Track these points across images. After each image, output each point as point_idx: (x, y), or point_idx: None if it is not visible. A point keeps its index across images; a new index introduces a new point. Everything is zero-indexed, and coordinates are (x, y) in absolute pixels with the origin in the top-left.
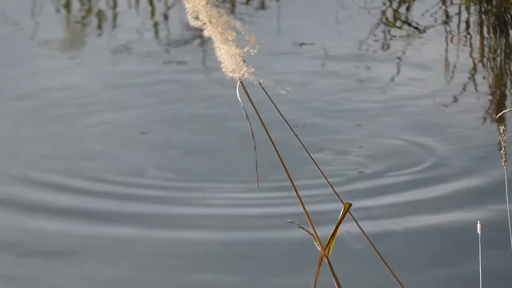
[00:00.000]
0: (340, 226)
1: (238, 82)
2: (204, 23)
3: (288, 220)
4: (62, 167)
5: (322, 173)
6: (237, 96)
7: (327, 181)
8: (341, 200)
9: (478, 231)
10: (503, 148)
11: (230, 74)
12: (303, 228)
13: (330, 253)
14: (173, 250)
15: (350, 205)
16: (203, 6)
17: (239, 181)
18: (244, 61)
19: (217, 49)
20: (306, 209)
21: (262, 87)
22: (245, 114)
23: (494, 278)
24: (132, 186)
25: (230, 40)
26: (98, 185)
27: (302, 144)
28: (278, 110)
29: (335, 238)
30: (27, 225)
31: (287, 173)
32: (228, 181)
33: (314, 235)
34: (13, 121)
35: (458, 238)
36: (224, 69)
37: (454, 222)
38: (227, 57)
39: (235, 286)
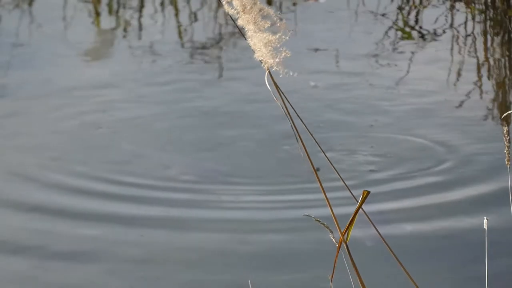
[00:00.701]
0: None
1: (267, 71)
2: (238, 11)
3: (305, 214)
4: (91, 169)
5: (338, 173)
6: (266, 85)
7: (343, 181)
8: (354, 198)
9: (485, 226)
10: (507, 148)
11: (262, 63)
12: (319, 221)
13: (348, 238)
14: (199, 251)
15: (369, 192)
16: None
17: (259, 183)
18: (275, 51)
19: (250, 38)
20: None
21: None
22: (285, 108)
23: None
24: (158, 188)
25: (262, 29)
26: (127, 187)
27: (318, 144)
28: (296, 113)
29: (353, 224)
30: (64, 230)
31: (317, 177)
32: (248, 183)
33: (335, 221)
34: (48, 119)
35: (465, 240)
36: (256, 57)
37: (463, 223)
38: (260, 45)
39: (256, 281)
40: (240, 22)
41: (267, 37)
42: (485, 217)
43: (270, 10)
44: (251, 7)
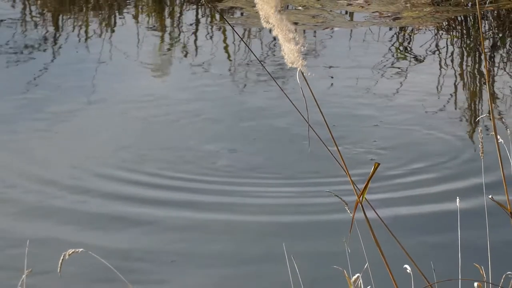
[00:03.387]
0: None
1: (298, 70)
2: (273, 26)
3: (327, 190)
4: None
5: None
6: (297, 80)
7: (349, 175)
8: (357, 187)
9: (457, 204)
10: (481, 143)
11: (290, 65)
12: (338, 196)
13: (363, 199)
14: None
15: (379, 164)
16: (272, 13)
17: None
18: (301, 56)
19: (282, 46)
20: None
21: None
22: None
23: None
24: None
25: (290, 39)
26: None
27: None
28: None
29: (367, 188)
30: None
31: (346, 169)
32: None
33: (353, 186)
34: (122, 118)
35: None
36: (286, 61)
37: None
38: (288, 51)
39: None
40: (274, 33)
41: (292, 47)
42: (457, 197)
43: (293, 27)
44: (280, 23)
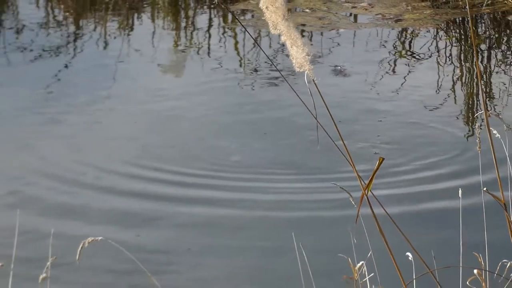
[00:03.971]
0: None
1: (306, 72)
2: (281, 32)
3: (333, 183)
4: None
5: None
6: (305, 83)
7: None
8: (363, 181)
9: (460, 195)
10: (478, 138)
11: (298, 69)
12: (344, 189)
13: (369, 191)
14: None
15: (383, 159)
16: (279, 21)
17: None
18: (308, 61)
19: (290, 51)
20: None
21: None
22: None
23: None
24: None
25: (298, 45)
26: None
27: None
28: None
29: (372, 182)
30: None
31: (352, 164)
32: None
33: (358, 179)
34: (140, 115)
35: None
36: (294, 65)
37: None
38: (296, 56)
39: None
40: (282, 39)
41: (300, 52)
42: (459, 188)
43: (299, 35)
44: (288, 31)
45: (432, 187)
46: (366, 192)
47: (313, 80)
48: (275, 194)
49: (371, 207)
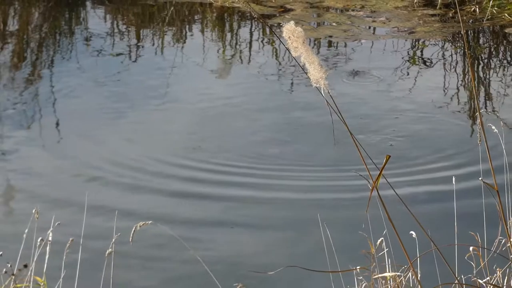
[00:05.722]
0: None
1: (322, 87)
2: (301, 54)
3: (353, 171)
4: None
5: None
6: (322, 95)
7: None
8: (371, 176)
9: (453, 182)
10: (479, 132)
11: (314, 84)
12: (361, 175)
13: (378, 184)
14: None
15: (389, 156)
16: (300, 44)
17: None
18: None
19: (308, 69)
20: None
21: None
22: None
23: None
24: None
25: (315, 64)
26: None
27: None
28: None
29: (380, 176)
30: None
31: (363, 161)
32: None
33: (369, 173)
34: (191, 113)
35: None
36: (311, 81)
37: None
38: (313, 74)
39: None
40: (302, 60)
41: (317, 70)
42: (453, 176)
43: (316, 56)
44: (307, 52)
45: (439, 175)
46: (376, 185)
47: (328, 92)
48: (306, 180)
49: (380, 196)
